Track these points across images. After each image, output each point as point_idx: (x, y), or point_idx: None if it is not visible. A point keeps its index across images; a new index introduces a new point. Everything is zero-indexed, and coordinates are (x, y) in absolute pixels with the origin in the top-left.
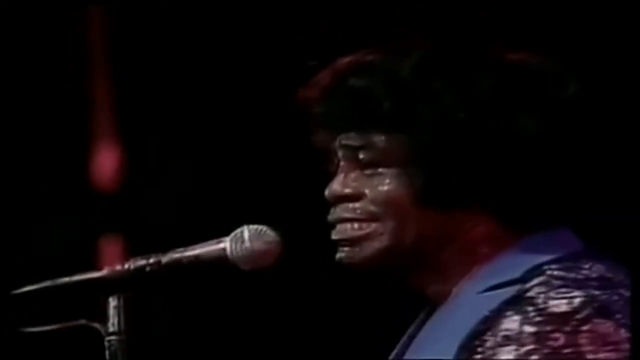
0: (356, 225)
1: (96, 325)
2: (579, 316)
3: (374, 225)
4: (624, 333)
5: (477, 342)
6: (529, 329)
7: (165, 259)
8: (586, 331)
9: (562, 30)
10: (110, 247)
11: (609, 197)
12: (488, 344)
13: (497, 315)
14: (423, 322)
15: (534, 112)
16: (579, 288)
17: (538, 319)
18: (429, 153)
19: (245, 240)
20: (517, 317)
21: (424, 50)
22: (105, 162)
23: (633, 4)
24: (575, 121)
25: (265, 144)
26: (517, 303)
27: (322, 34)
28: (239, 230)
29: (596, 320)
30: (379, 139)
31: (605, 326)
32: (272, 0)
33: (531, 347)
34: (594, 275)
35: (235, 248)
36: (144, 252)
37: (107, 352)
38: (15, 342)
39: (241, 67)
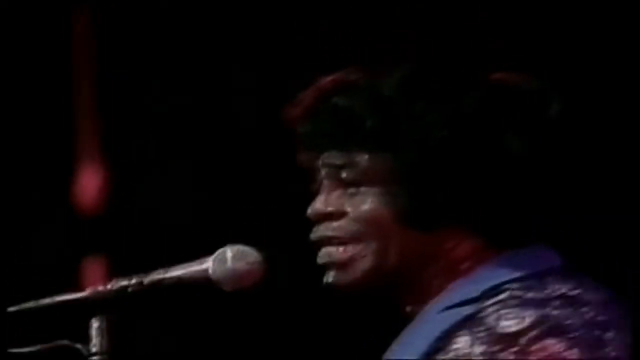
0: (341, 248)
1: (79, 346)
2: (528, 336)
3: (357, 246)
4: (576, 353)
5: None
6: (478, 349)
7: (147, 279)
8: (535, 351)
9: (562, 31)
10: (93, 267)
11: (591, 212)
12: None
13: (450, 334)
14: None
15: (517, 131)
16: (534, 307)
17: (487, 338)
18: (412, 172)
19: (227, 260)
20: (467, 337)
21: (407, 69)
22: (88, 183)
23: (632, 4)
24: (558, 139)
25: (249, 164)
26: (470, 323)
27: (322, 34)
28: (221, 250)
29: (547, 340)
30: (362, 158)
31: (556, 346)
32: (272, 0)
33: None
34: (555, 294)
35: (218, 268)
36: (127, 273)
37: None
38: None
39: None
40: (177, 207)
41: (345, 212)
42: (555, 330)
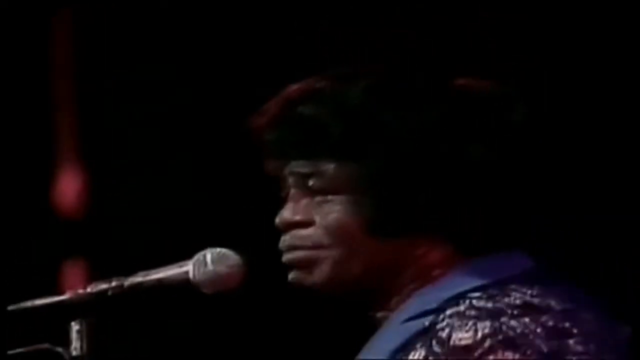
0: (303, 251)
1: (59, 349)
2: (482, 348)
3: (320, 251)
4: None
5: None
6: None
7: (127, 282)
8: None
9: (562, 31)
10: (73, 270)
11: (562, 215)
12: None
13: (407, 346)
14: None
15: (483, 138)
16: (490, 318)
17: (441, 351)
18: (377, 181)
19: (207, 263)
20: (422, 350)
21: (372, 77)
22: (68, 187)
23: (632, 4)
24: (525, 144)
25: (229, 166)
26: (426, 335)
27: (322, 34)
28: (201, 253)
29: (501, 352)
30: (328, 167)
31: (510, 358)
32: (272, 0)
33: None
34: (516, 302)
35: (198, 271)
36: (107, 276)
37: None
38: None
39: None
40: (157, 210)
41: (312, 221)
42: (509, 341)
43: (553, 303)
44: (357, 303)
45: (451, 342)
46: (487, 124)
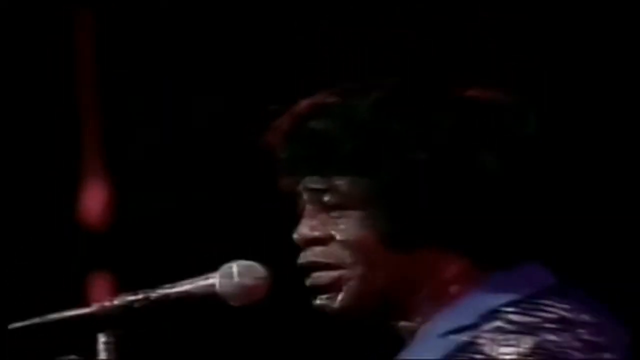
0: (330, 273)
1: None
2: None
3: (343, 271)
4: None
5: None
6: None
7: (154, 295)
8: None
9: (562, 31)
10: (99, 283)
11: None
12: None
13: None
14: None
15: (495, 149)
16: (530, 334)
17: None
18: (392, 194)
19: (234, 275)
20: None
21: (382, 90)
22: (94, 199)
23: (632, 4)
24: (538, 155)
25: (254, 180)
26: (467, 350)
27: (322, 34)
28: (227, 265)
29: None
30: (342, 182)
31: None
32: (272, 0)
33: None
34: (552, 317)
35: (224, 284)
36: (133, 289)
37: None
38: None
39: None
40: (183, 222)
41: (331, 237)
42: (551, 356)
43: (586, 317)
44: (376, 318)
45: (495, 357)
46: (499, 134)
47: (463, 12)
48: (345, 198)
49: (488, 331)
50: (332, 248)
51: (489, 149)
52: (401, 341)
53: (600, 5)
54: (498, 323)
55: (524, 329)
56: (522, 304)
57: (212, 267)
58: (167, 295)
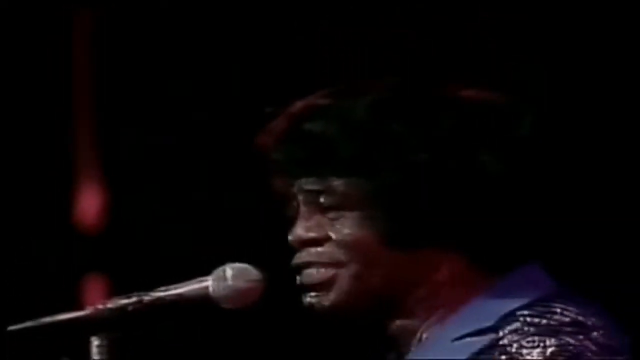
0: (322, 270)
1: None
2: None
3: (337, 270)
4: None
5: None
6: None
7: (147, 298)
8: None
9: (562, 31)
10: (93, 286)
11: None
12: None
13: None
14: None
15: (495, 149)
16: (551, 335)
17: None
18: (392, 195)
19: (227, 278)
20: None
21: (379, 90)
22: (88, 202)
23: (632, 4)
24: (537, 156)
25: (248, 183)
26: (490, 352)
27: (322, 34)
28: (221, 268)
29: None
30: (339, 183)
31: None
32: (272, 0)
33: None
34: (566, 320)
35: (218, 286)
36: (127, 292)
37: None
38: None
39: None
40: (177, 225)
41: (327, 238)
42: (576, 357)
43: (595, 320)
44: (369, 318)
45: (522, 358)
46: (498, 135)
47: (463, 12)
48: (342, 199)
49: (510, 333)
50: (328, 248)
51: (489, 149)
52: (390, 342)
53: (600, 5)
54: (517, 325)
55: (545, 331)
56: (536, 307)
57: (206, 270)
58: (160, 299)
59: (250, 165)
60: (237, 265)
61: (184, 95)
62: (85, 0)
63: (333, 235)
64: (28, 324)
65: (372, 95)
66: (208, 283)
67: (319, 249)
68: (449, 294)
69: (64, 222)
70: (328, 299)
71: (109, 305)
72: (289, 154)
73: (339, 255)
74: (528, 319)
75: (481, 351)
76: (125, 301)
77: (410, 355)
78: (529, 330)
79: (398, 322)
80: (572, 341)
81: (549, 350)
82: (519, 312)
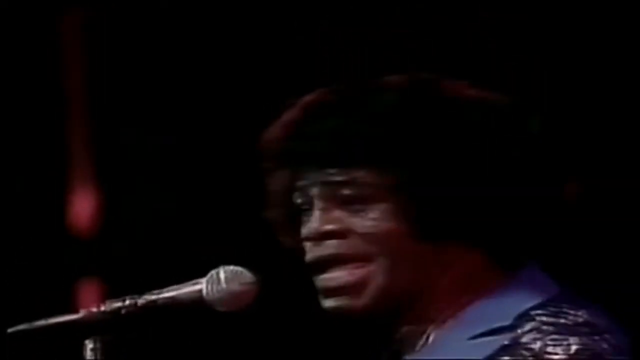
0: (349, 270)
1: None
2: None
3: (367, 266)
4: None
5: None
6: None
7: (141, 301)
8: None
9: (562, 31)
10: (86, 289)
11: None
12: None
13: None
14: None
15: (517, 145)
16: (572, 335)
17: None
18: (423, 185)
19: (221, 281)
20: None
21: (402, 84)
22: (82, 205)
23: (632, 4)
24: (553, 154)
25: (245, 185)
26: (512, 350)
27: (322, 34)
28: (214, 271)
29: None
30: (364, 175)
31: None
32: (272, 0)
33: None
34: (580, 320)
35: (211, 289)
36: (120, 295)
37: None
38: None
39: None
40: (170, 228)
41: (349, 230)
42: (598, 357)
43: (604, 323)
44: (382, 320)
45: (546, 356)
46: (521, 131)
47: (463, 12)
48: (368, 190)
49: (529, 332)
50: (353, 241)
51: (514, 144)
52: (389, 342)
53: (600, 5)
54: (535, 324)
55: (564, 330)
56: (548, 307)
57: (201, 273)
58: (154, 302)
59: (245, 167)
60: (231, 268)
61: (184, 96)
62: None
63: (356, 228)
64: (22, 327)
65: (397, 88)
66: (202, 286)
67: (341, 242)
68: (467, 288)
69: (58, 225)
70: (361, 300)
71: (103, 308)
72: (309, 146)
73: (365, 248)
74: (544, 319)
75: (503, 349)
76: (119, 304)
77: (421, 354)
78: (548, 330)
79: (410, 321)
80: (589, 340)
81: (573, 348)
82: (533, 312)
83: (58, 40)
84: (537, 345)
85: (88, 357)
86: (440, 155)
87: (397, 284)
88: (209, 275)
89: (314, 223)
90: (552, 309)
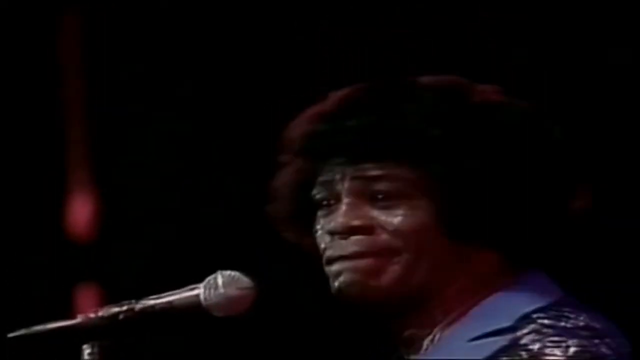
0: (371, 259)
1: None
2: None
3: (393, 257)
4: None
5: None
6: None
7: (138, 306)
8: None
9: (562, 31)
10: (84, 294)
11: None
12: None
13: None
14: None
15: (544, 150)
16: (571, 337)
17: None
18: (455, 184)
19: (218, 286)
20: None
21: (437, 84)
22: (80, 210)
23: (632, 4)
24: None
25: (239, 191)
26: (512, 351)
27: (322, 34)
28: (212, 276)
29: None
30: (400, 171)
31: None
32: (272, 0)
33: None
34: (581, 324)
35: (209, 294)
36: (118, 300)
37: None
38: None
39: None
40: (168, 234)
41: (377, 226)
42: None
43: (605, 327)
44: (387, 319)
45: (545, 357)
46: (544, 136)
47: (463, 12)
48: (401, 186)
49: (529, 333)
50: (380, 237)
51: (544, 149)
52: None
53: (600, 5)
54: (535, 326)
55: (564, 333)
56: (550, 311)
57: (198, 278)
58: (151, 307)
59: (244, 169)
60: (229, 273)
61: (184, 96)
62: None
63: (384, 224)
64: (19, 332)
65: (435, 87)
66: (199, 291)
67: (369, 237)
68: (479, 288)
69: (56, 229)
70: (376, 283)
71: (100, 314)
72: (345, 138)
73: (391, 243)
74: (545, 321)
75: (502, 350)
76: (116, 309)
77: (427, 354)
78: (548, 332)
79: (415, 324)
80: (588, 343)
81: (571, 350)
82: (534, 315)
83: (57, 41)
84: (535, 347)
85: None
86: (475, 155)
87: (415, 279)
88: (206, 280)
89: (340, 217)
90: (553, 312)
